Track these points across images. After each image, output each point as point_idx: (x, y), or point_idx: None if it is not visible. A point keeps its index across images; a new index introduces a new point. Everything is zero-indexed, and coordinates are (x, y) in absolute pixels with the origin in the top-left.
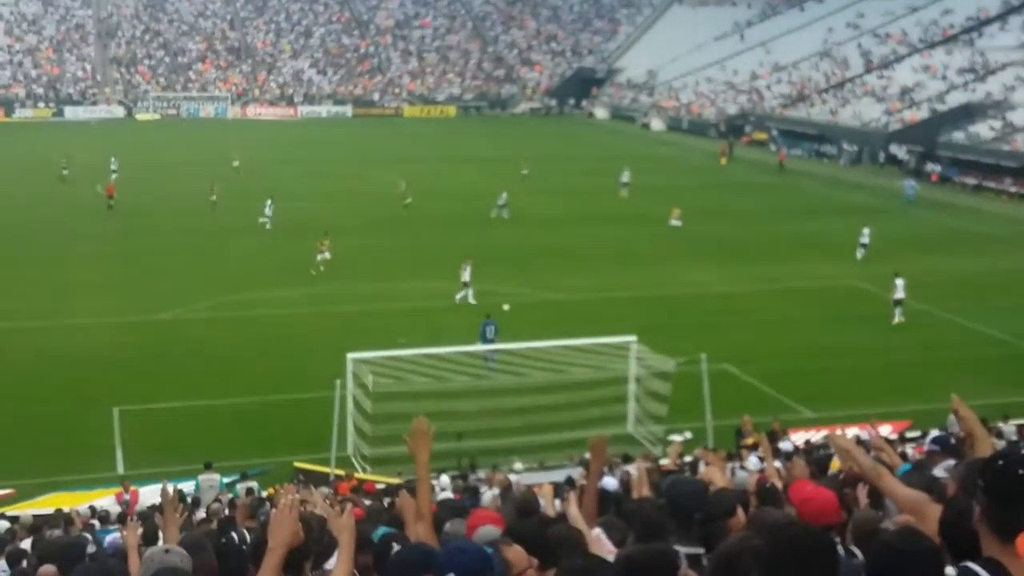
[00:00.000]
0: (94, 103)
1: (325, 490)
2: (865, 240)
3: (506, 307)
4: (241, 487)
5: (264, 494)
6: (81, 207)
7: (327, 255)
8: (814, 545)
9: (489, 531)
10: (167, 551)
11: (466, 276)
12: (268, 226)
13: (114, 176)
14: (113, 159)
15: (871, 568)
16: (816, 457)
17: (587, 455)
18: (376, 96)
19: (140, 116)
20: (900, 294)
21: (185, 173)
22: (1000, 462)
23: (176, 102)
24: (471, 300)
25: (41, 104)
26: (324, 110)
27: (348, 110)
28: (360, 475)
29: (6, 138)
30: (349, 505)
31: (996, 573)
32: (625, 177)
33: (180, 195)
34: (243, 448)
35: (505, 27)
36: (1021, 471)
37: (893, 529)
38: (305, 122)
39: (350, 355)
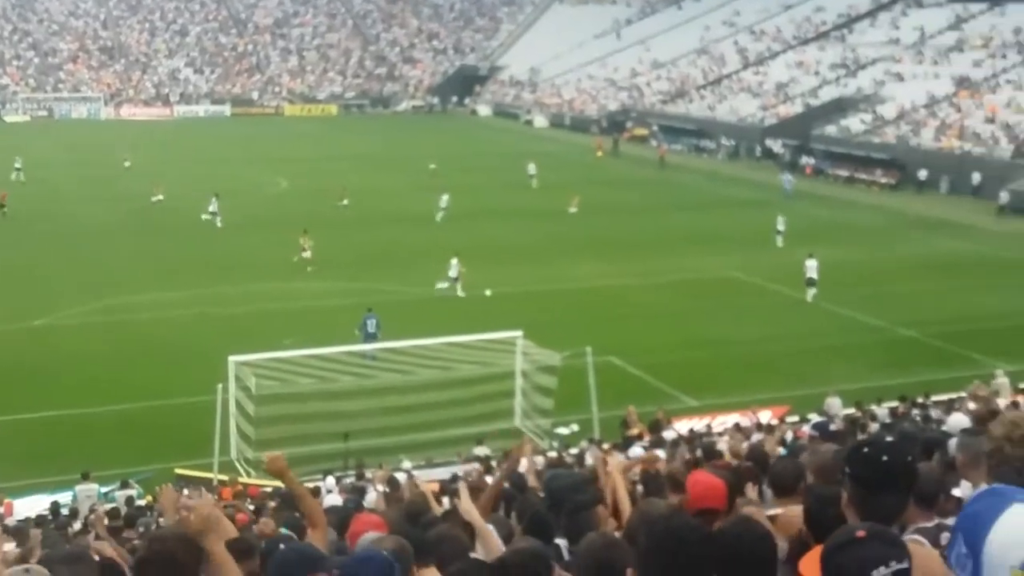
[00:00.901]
0: None
1: (209, 496)
2: (781, 227)
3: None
4: (120, 495)
5: (143, 502)
6: None
7: (308, 254)
8: (688, 536)
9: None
10: (27, 571)
11: (453, 271)
12: (219, 223)
13: (17, 175)
14: (17, 158)
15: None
16: (701, 444)
17: (486, 452)
18: (255, 95)
19: (8, 118)
20: (811, 274)
21: (62, 175)
22: (865, 449)
23: (47, 103)
24: (460, 293)
25: None
26: (201, 109)
27: (226, 109)
28: (244, 479)
29: None
30: (202, 491)
31: None
32: (532, 169)
33: (57, 198)
34: (123, 456)
35: (386, 25)
36: (885, 458)
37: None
38: (182, 122)
39: (232, 357)
